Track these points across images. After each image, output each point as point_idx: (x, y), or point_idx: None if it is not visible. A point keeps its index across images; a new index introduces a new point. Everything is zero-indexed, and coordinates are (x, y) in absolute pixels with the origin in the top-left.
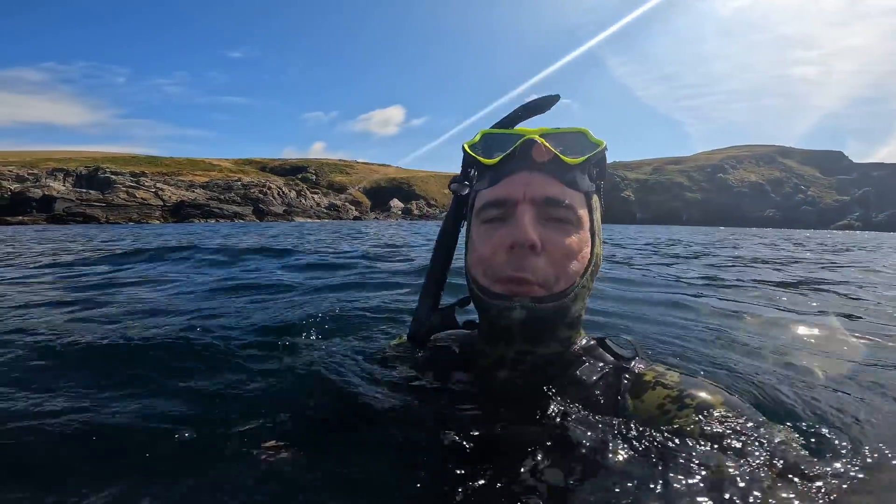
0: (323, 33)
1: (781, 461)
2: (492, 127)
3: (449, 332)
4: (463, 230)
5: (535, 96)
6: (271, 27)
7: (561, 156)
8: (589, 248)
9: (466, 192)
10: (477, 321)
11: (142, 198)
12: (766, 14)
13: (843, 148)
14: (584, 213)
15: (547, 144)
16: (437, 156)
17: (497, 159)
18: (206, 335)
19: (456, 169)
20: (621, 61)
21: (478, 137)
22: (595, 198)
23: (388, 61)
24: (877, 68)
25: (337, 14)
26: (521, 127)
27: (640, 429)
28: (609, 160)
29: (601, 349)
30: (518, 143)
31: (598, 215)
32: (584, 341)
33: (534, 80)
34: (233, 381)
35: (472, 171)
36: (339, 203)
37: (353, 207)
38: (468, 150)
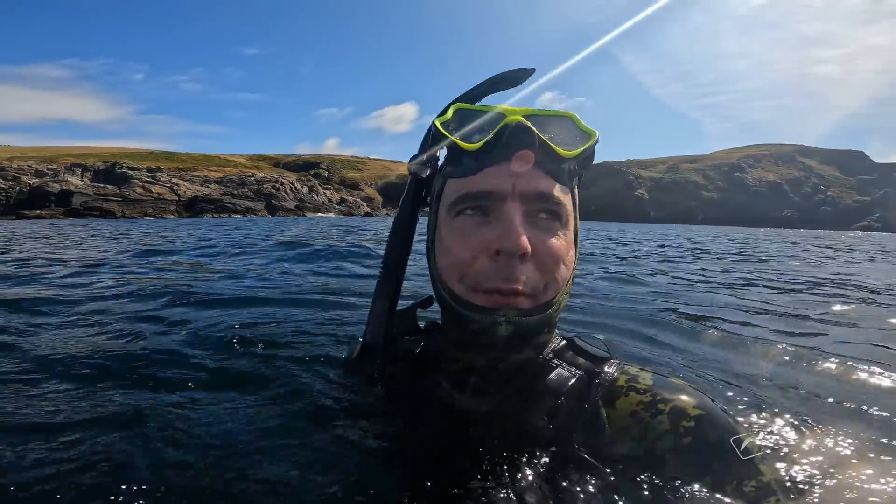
0: (338, 30)
1: (753, 473)
2: (455, 101)
3: (409, 336)
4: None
5: (549, 94)
6: (287, 23)
7: (554, 146)
8: (574, 251)
9: (428, 174)
10: (439, 321)
11: (157, 193)
12: (787, 12)
13: (865, 148)
14: (570, 210)
15: (539, 134)
16: None
17: (480, 144)
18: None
19: None
20: (636, 59)
21: (450, 113)
22: (576, 192)
23: (403, 58)
24: None
25: (352, 10)
26: (503, 105)
27: (610, 445)
28: (623, 158)
29: (573, 351)
30: (501, 124)
31: (578, 212)
32: (555, 343)
33: (548, 77)
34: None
35: (439, 151)
36: (350, 199)
37: (365, 204)
38: (441, 128)
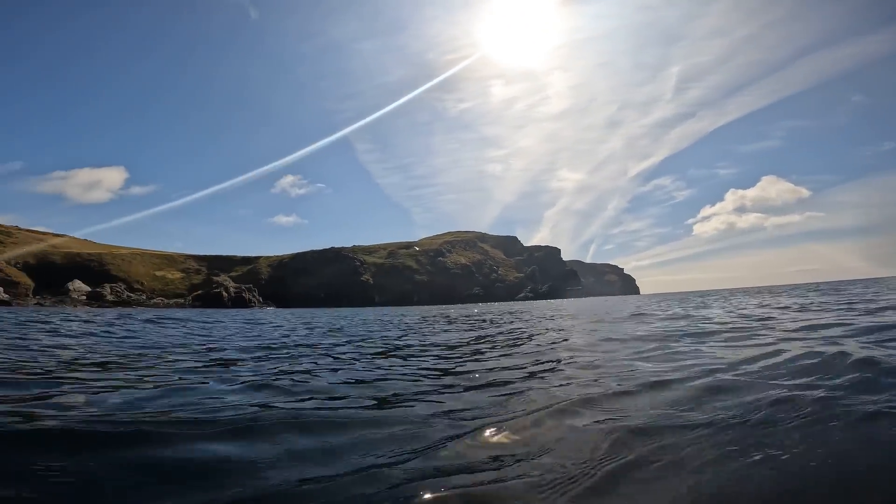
0: (20, 55)
1: None
2: None
3: None
4: None
5: (290, 178)
6: None
7: None
8: None
9: None
10: None
11: None
12: (478, 116)
13: (516, 233)
14: None
15: None
16: (149, 230)
17: None
18: None
19: (174, 246)
20: (368, 148)
21: None
22: None
23: (121, 108)
24: (536, 167)
25: (53, 34)
26: None
27: None
28: (349, 244)
29: None
30: None
31: None
32: None
33: (287, 159)
34: None
35: None
36: None
37: (0, 288)
38: None
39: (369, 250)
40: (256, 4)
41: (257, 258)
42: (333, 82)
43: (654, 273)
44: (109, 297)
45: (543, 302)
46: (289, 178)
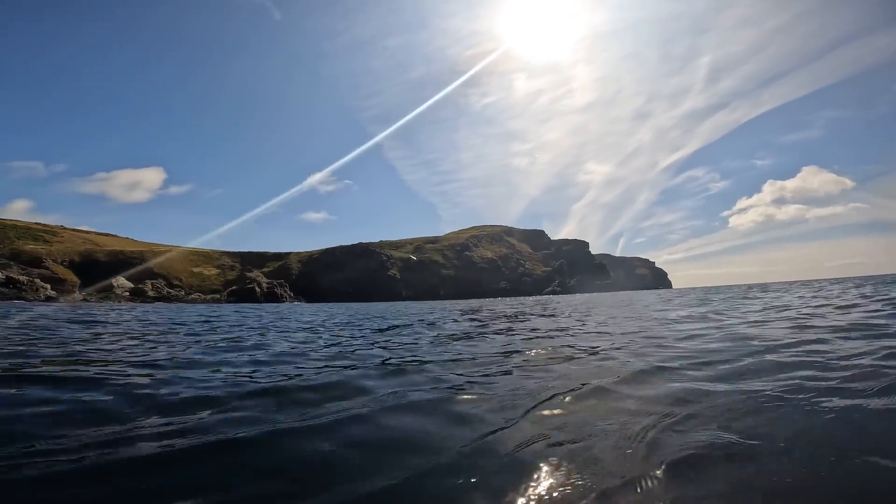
0: (61, 56)
1: None
2: None
3: None
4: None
5: (318, 175)
6: None
7: None
8: None
9: None
10: None
11: None
12: (502, 110)
13: (542, 227)
14: None
15: None
16: (191, 228)
17: None
18: None
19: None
20: (393, 144)
21: None
22: None
23: (160, 109)
24: (562, 160)
25: (83, 37)
26: None
27: None
28: (376, 239)
29: None
30: None
31: None
32: None
33: (329, 169)
34: None
35: None
36: (21, 278)
37: (48, 286)
38: None
39: (396, 245)
40: (279, 6)
41: (288, 254)
42: (356, 80)
43: (687, 267)
44: (151, 294)
45: (577, 296)
46: (317, 176)
